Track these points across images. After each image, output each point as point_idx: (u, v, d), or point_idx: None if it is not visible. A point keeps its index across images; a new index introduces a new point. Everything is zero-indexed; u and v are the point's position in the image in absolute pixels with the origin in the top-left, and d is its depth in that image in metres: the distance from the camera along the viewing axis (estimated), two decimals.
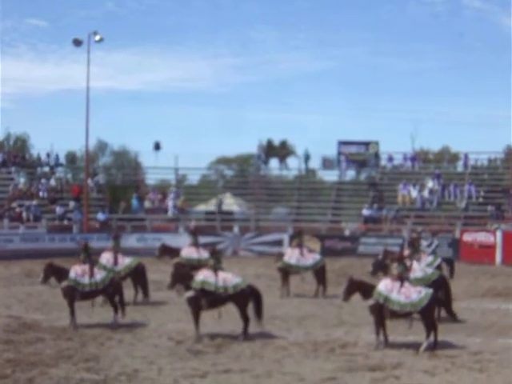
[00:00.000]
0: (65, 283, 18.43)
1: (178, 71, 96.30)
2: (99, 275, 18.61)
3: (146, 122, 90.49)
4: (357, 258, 34.41)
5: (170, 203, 43.29)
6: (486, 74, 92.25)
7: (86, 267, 18.56)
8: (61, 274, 18.60)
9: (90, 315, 18.35)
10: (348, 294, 17.28)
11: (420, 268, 20.13)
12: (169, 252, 26.24)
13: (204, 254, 24.02)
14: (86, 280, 18.37)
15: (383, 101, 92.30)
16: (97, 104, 72.68)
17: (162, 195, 44.52)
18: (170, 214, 42.94)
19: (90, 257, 19.07)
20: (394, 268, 18.92)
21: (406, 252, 21.15)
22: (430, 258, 23.18)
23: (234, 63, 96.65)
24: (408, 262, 18.82)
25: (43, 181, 42.89)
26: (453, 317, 18.88)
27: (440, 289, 18.93)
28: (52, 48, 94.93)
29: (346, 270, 29.40)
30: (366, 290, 17.01)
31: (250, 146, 59.82)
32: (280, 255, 25.31)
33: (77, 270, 18.51)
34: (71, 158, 51.96)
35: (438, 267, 22.44)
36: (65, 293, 18.48)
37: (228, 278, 17.63)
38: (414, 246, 21.70)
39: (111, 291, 18.41)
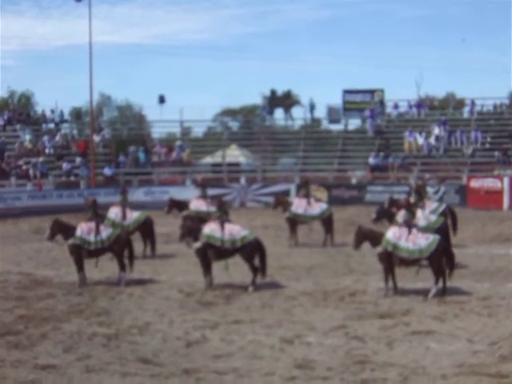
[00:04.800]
0: (71, 241, 18.25)
1: (182, 23, 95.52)
2: (105, 232, 18.32)
3: (151, 76, 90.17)
4: (364, 206, 34.33)
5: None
6: (491, 20, 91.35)
7: (93, 224, 18.30)
8: (67, 231, 18.39)
9: (100, 269, 18.42)
10: (357, 242, 17.34)
11: (424, 216, 20.08)
12: (177, 206, 26.25)
13: (213, 207, 24.00)
14: (91, 238, 18.16)
15: (387, 48, 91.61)
16: (101, 58, 72.44)
17: (168, 148, 44.40)
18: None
19: (96, 214, 18.86)
20: (400, 216, 18.96)
21: (412, 200, 21.01)
22: (435, 205, 23.20)
23: (238, 14, 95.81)
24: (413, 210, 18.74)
25: (49, 137, 42.71)
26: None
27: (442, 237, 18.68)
28: (56, 3, 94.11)
29: (354, 218, 29.37)
30: (375, 238, 17.04)
31: (254, 97, 59.50)
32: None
33: (83, 228, 18.25)
34: (76, 114, 51.72)
35: (443, 214, 22.40)
36: (71, 250, 18.30)
37: (235, 230, 17.64)
38: (419, 193, 21.64)
39: (118, 248, 18.23)
